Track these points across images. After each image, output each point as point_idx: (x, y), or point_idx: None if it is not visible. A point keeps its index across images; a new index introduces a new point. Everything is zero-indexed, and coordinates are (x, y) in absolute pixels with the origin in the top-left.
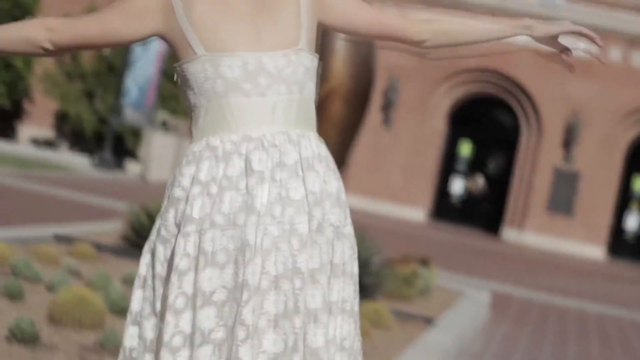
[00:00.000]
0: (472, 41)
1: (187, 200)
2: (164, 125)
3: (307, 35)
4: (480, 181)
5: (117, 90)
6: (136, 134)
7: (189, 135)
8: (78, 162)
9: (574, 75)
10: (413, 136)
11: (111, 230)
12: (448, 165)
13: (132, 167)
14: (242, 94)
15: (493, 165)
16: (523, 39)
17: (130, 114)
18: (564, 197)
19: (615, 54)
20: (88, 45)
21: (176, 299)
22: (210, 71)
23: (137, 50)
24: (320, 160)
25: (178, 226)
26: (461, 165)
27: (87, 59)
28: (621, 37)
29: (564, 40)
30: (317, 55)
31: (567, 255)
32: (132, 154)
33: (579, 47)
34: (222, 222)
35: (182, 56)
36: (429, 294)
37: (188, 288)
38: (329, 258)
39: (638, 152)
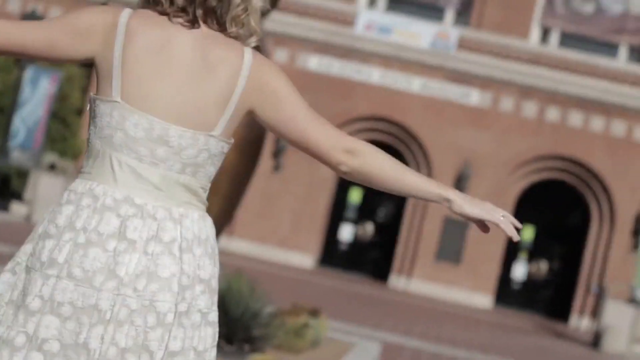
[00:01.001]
0: (392, 190)
1: (57, 242)
2: (52, 167)
3: (227, 124)
4: (369, 228)
5: (5, 131)
6: (23, 175)
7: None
8: None
9: (466, 125)
10: (303, 183)
11: None
12: (337, 212)
13: (17, 209)
14: (135, 156)
15: (383, 212)
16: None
17: (17, 155)
18: (452, 245)
19: (506, 104)
20: (25, 53)
21: (17, 336)
22: (116, 120)
23: (27, 90)
24: (199, 243)
25: (42, 263)
26: (351, 213)
27: None
28: (513, 88)
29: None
30: (231, 141)
31: (455, 303)
32: (18, 195)
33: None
34: (80, 277)
35: (100, 89)
36: (319, 346)
37: (30, 328)
38: (192, 344)
39: (527, 203)
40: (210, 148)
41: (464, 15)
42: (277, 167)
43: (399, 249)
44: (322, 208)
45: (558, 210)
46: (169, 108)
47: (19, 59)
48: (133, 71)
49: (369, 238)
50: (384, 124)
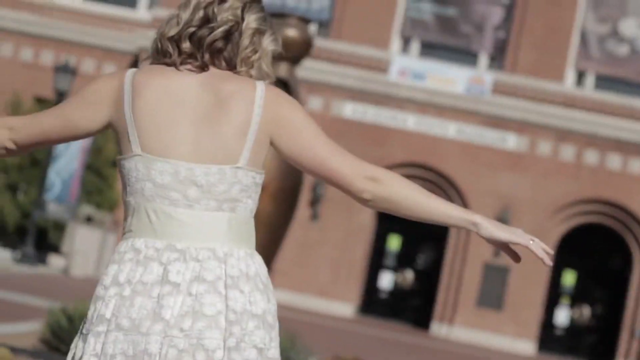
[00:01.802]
0: (417, 217)
1: (104, 299)
2: (88, 220)
3: (251, 153)
4: (409, 275)
5: (41, 183)
6: (60, 228)
7: (115, 229)
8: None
9: (504, 169)
10: (341, 231)
11: (30, 331)
12: (376, 260)
13: (55, 262)
14: (169, 202)
15: (422, 259)
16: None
17: (54, 208)
18: (493, 291)
19: (544, 148)
20: (49, 140)
21: None
22: (142, 172)
23: (61, 144)
24: (247, 279)
25: (92, 324)
26: (390, 260)
27: None
28: (550, 131)
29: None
30: (262, 171)
31: (498, 350)
32: (55, 248)
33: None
34: (128, 326)
35: (122, 150)
36: None
37: None
38: None
39: (568, 247)
40: (241, 180)
41: (498, 59)
42: (314, 216)
43: (440, 296)
44: (361, 256)
45: (599, 254)
46: (190, 149)
47: None
48: (147, 122)
49: (409, 285)
50: (420, 170)
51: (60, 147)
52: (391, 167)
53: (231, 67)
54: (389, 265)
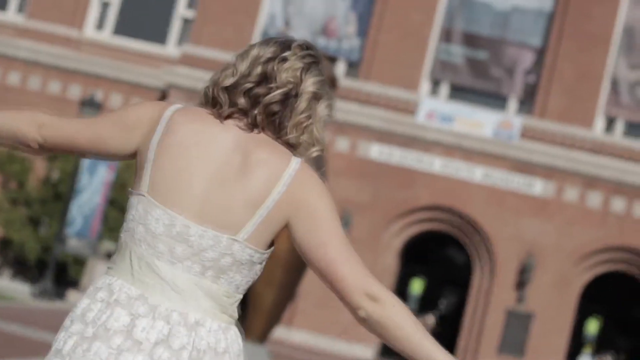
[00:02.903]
0: (403, 351)
1: (66, 332)
2: (109, 256)
3: (255, 230)
4: (431, 319)
5: (62, 218)
6: (80, 263)
7: None
8: (19, 290)
9: (530, 215)
10: None
11: None
12: None
13: (74, 297)
14: (153, 252)
15: (445, 304)
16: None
17: (74, 243)
18: (516, 338)
19: (571, 194)
20: (75, 148)
21: None
22: (140, 213)
23: (84, 178)
24: (214, 355)
25: (50, 353)
26: (412, 304)
27: (33, 184)
28: (577, 177)
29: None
30: (263, 251)
31: None
32: (74, 284)
33: None
34: None
35: (135, 183)
36: None
37: None
38: None
39: (592, 295)
40: (235, 253)
41: (527, 104)
42: None
43: (461, 341)
44: None
45: (624, 302)
46: (194, 205)
47: None
48: (164, 165)
49: (430, 329)
50: (445, 214)
51: (84, 181)
52: (416, 209)
53: (280, 131)
54: (411, 309)
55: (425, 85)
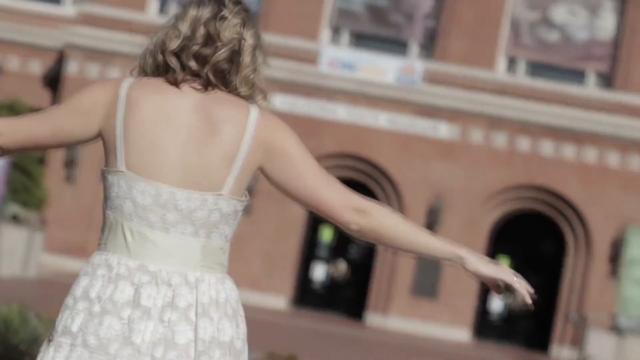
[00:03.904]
0: (404, 249)
1: (71, 312)
2: (15, 219)
3: (235, 182)
4: (342, 266)
5: None
6: None
7: (42, 228)
8: None
9: (436, 158)
10: (273, 223)
11: None
12: (309, 252)
13: None
14: (146, 223)
15: (355, 249)
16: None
17: None
18: (427, 280)
19: (476, 136)
20: (38, 146)
21: None
22: (123, 190)
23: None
24: (217, 306)
25: (56, 332)
26: (322, 251)
27: None
28: (482, 119)
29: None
30: (244, 199)
31: (433, 338)
32: None
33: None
34: (94, 345)
35: (107, 162)
36: None
37: None
38: None
39: (501, 234)
40: (221, 208)
41: (428, 48)
42: (246, 209)
43: (374, 286)
44: (294, 248)
45: (533, 240)
46: (174, 172)
47: None
48: (136, 140)
49: (342, 276)
50: (352, 160)
51: None
52: (323, 157)
53: (229, 87)
54: (322, 257)
55: (325, 34)
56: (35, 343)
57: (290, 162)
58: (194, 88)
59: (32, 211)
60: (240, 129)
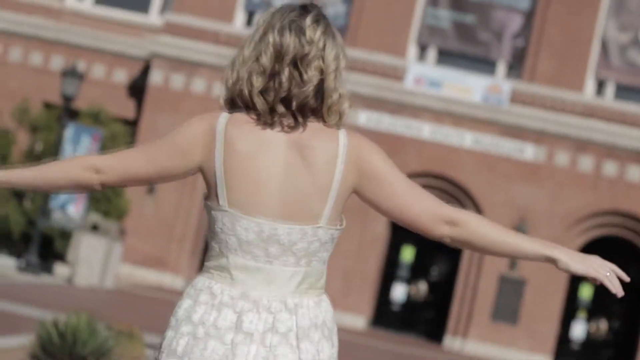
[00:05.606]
0: (495, 253)
1: (175, 333)
2: (95, 228)
3: (331, 212)
4: (422, 287)
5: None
6: (66, 236)
7: (121, 237)
8: (3, 264)
9: (520, 180)
10: (354, 241)
11: (20, 345)
12: (389, 271)
13: (60, 271)
14: (251, 257)
15: (436, 270)
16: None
17: (59, 216)
18: (509, 305)
19: (562, 158)
20: (138, 182)
21: None
22: (227, 227)
23: (68, 149)
24: (316, 328)
25: (161, 352)
26: (403, 271)
27: (16, 157)
28: (568, 141)
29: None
30: (339, 227)
31: None
32: (60, 257)
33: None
34: None
35: (210, 196)
36: None
37: None
38: None
39: None
40: (320, 237)
41: (516, 68)
42: None
43: (454, 309)
44: (374, 267)
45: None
46: (274, 208)
47: (60, 118)
48: (236, 178)
49: (422, 297)
50: (436, 180)
51: (67, 153)
52: (412, 176)
53: (317, 114)
54: (402, 277)
55: (412, 51)
56: (104, 356)
57: (381, 183)
58: (285, 124)
59: (112, 221)
60: (332, 157)
